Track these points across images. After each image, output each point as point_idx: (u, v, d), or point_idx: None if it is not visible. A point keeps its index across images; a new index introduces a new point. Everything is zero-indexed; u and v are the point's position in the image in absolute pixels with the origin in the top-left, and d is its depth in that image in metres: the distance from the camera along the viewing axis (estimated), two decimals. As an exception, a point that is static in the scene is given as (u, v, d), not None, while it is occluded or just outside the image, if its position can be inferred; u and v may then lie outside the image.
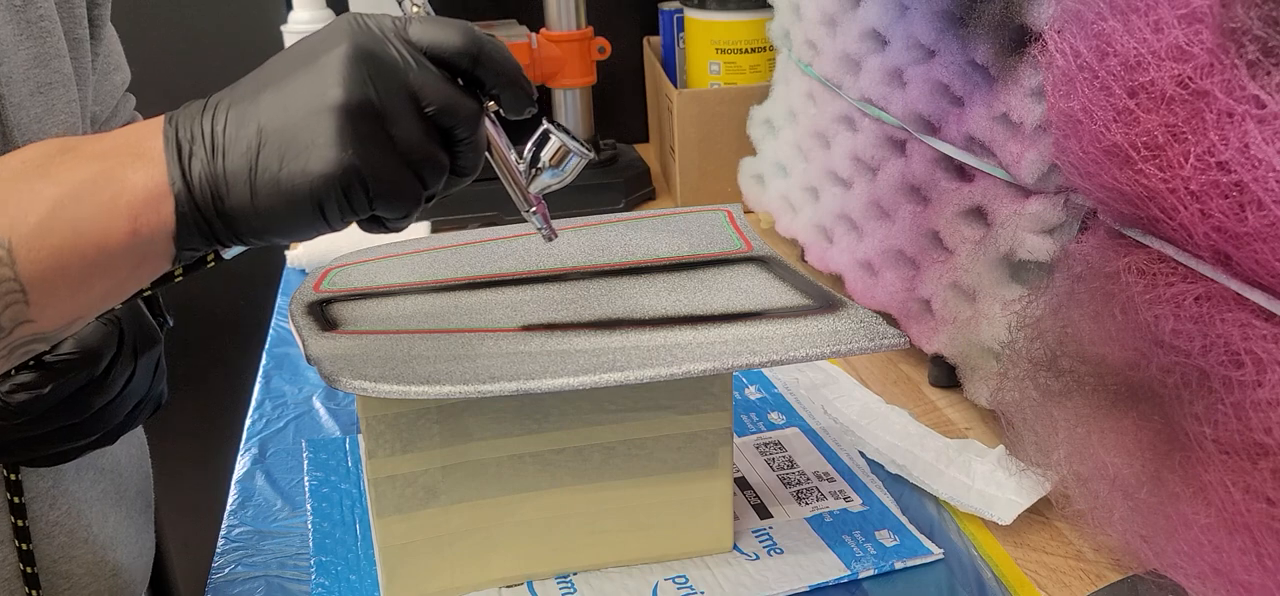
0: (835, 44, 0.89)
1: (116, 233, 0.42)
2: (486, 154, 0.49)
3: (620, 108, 1.34)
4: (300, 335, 0.56)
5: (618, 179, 1.18)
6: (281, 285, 1.03)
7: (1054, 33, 0.56)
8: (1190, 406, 0.50)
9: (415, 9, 0.50)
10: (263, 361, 0.88)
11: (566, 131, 0.51)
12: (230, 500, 0.70)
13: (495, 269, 0.64)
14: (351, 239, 1.04)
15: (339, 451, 0.74)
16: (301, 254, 1.04)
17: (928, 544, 0.63)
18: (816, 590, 0.60)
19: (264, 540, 0.66)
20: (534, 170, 0.51)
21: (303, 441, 0.76)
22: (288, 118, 0.43)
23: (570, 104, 1.20)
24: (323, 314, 0.59)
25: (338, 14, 1.20)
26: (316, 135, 0.42)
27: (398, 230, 0.47)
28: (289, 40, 1.21)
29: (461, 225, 0.98)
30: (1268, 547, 0.47)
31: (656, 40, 1.28)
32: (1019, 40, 0.66)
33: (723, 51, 1.16)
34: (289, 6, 1.21)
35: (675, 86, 1.16)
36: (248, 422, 0.79)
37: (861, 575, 0.61)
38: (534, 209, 0.53)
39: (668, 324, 0.56)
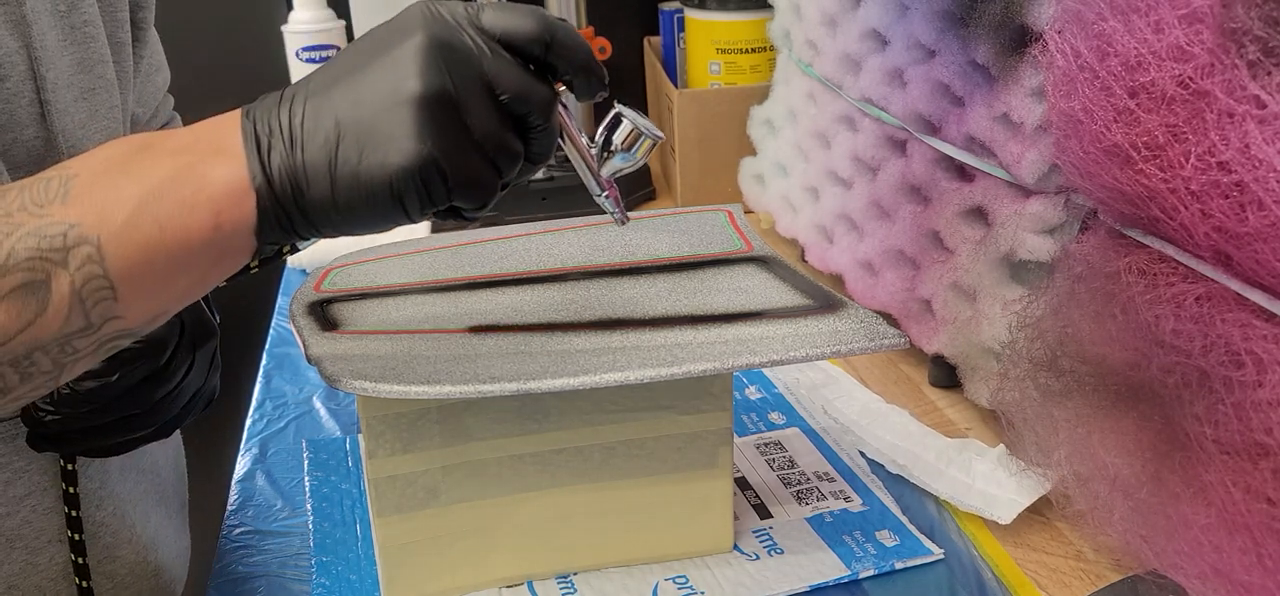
0: (836, 44, 0.89)
1: (200, 228, 0.42)
2: (559, 139, 0.49)
3: (620, 108, 1.34)
4: (301, 335, 0.56)
5: (618, 179, 1.18)
6: (282, 285, 1.03)
7: (1055, 33, 0.56)
8: (1191, 406, 0.50)
9: None
10: (263, 361, 0.88)
11: (639, 114, 0.51)
12: (230, 500, 0.70)
13: (495, 269, 0.64)
14: (352, 240, 1.04)
15: (339, 451, 0.74)
16: (302, 254, 1.03)
17: (928, 544, 0.63)
18: (817, 590, 0.60)
19: (264, 540, 0.66)
20: (606, 154, 0.51)
21: (303, 441, 0.76)
22: (365, 110, 0.43)
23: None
24: (323, 314, 0.59)
25: (339, 15, 1.20)
26: (394, 127, 0.42)
27: (473, 223, 0.47)
28: (289, 40, 1.21)
29: (462, 225, 0.98)
30: (1268, 548, 0.47)
31: (657, 40, 1.28)
32: (1019, 40, 0.66)
33: (723, 51, 1.16)
34: (289, 6, 1.21)
35: (675, 86, 1.16)
36: (248, 422, 0.79)
37: (862, 575, 0.61)
38: (607, 193, 0.53)
39: (668, 324, 0.56)
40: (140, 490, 0.67)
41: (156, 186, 0.42)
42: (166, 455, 0.73)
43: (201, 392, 0.61)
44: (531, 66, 0.46)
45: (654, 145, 0.52)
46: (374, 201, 0.43)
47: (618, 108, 0.51)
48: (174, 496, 0.73)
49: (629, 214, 0.55)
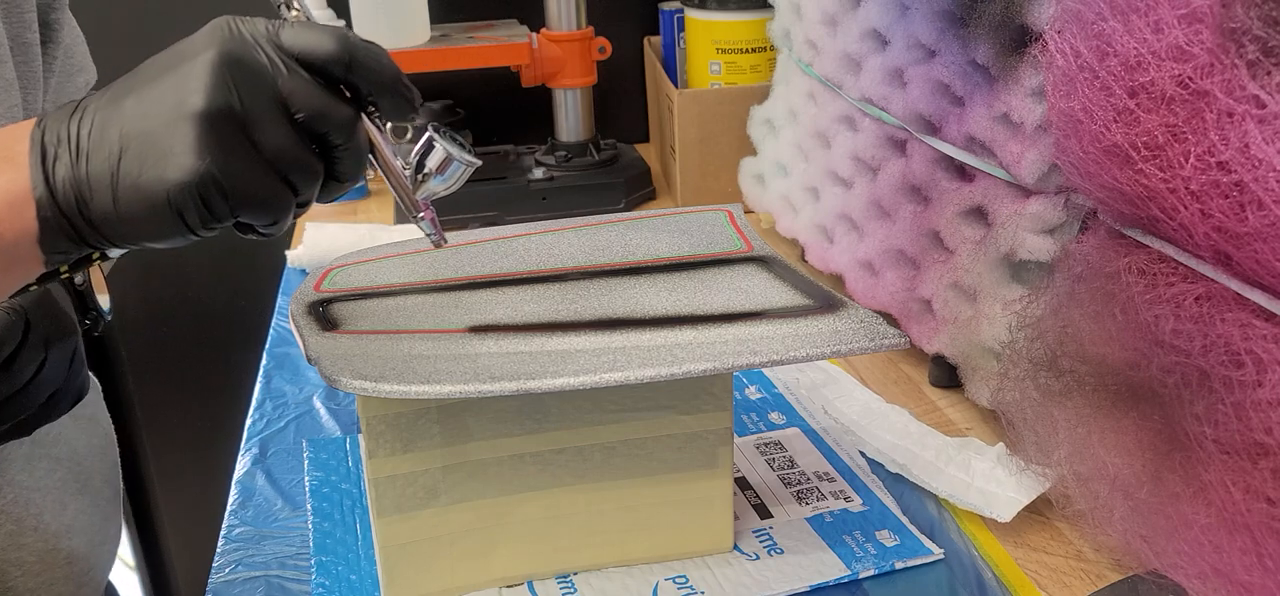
0: (836, 44, 0.89)
1: None
2: (373, 160, 0.49)
3: (620, 108, 1.34)
4: (301, 335, 0.56)
5: (618, 179, 1.18)
6: (282, 285, 1.03)
7: (1054, 33, 0.56)
8: (1190, 406, 0.50)
9: (294, 13, 0.50)
10: (263, 361, 0.88)
11: (454, 138, 0.50)
12: (230, 500, 0.70)
13: (495, 269, 0.64)
14: (352, 239, 1.04)
15: (339, 451, 0.74)
16: (302, 254, 1.04)
17: (928, 544, 0.63)
18: (817, 590, 0.60)
19: (264, 540, 0.66)
20: (420, 177, 0.50)
21: (303, 441, 0.76)
22: (150, 123, 0.42)
23: (570, 104, 1.20)
24: (323, 314, 0.59)
25: (340, 14, 1.20)
26: (175, 142, 0.42)
27: (270, 236, 0.47)
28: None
29: (461, 225, 0.98)
30: (1268, 547, 0.47)
31: (657, 40, 1.28)
32: (1019, 40, 0.66)
33: (723, 51, 1.16)
34: (289, 5, 1.21)
35: (676, 86, 1.16)
36: (248, 422, 0.79)
37: (862, 575, 0.61)
38: (422, 215, 0.52)
39: (668, 324, 0.56)
40: (54, 479, 0.67)
41: None
42: (90, 444, 0.72)
43: (65, 391, 0.59)
44: (338, 87, 0.46)
45: (468, 171, 0.51)
46: (154, 215, 0.43)
47: (430, 131, 0.50)
48: (103, 485, 0.73)
49: (628, 214, 0.55)
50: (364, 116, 0.47)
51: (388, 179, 0.51)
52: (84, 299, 0.62)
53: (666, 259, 0.65)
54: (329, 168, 0.46)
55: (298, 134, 0.44)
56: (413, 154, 0.51)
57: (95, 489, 0.72)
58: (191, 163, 0.42)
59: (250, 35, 0.44)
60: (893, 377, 0.82)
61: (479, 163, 0.51)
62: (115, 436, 0.79)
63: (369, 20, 1.14)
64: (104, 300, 0.63)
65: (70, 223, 0.43)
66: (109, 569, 0.74)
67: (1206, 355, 0.49)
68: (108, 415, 0.78)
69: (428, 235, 0.53)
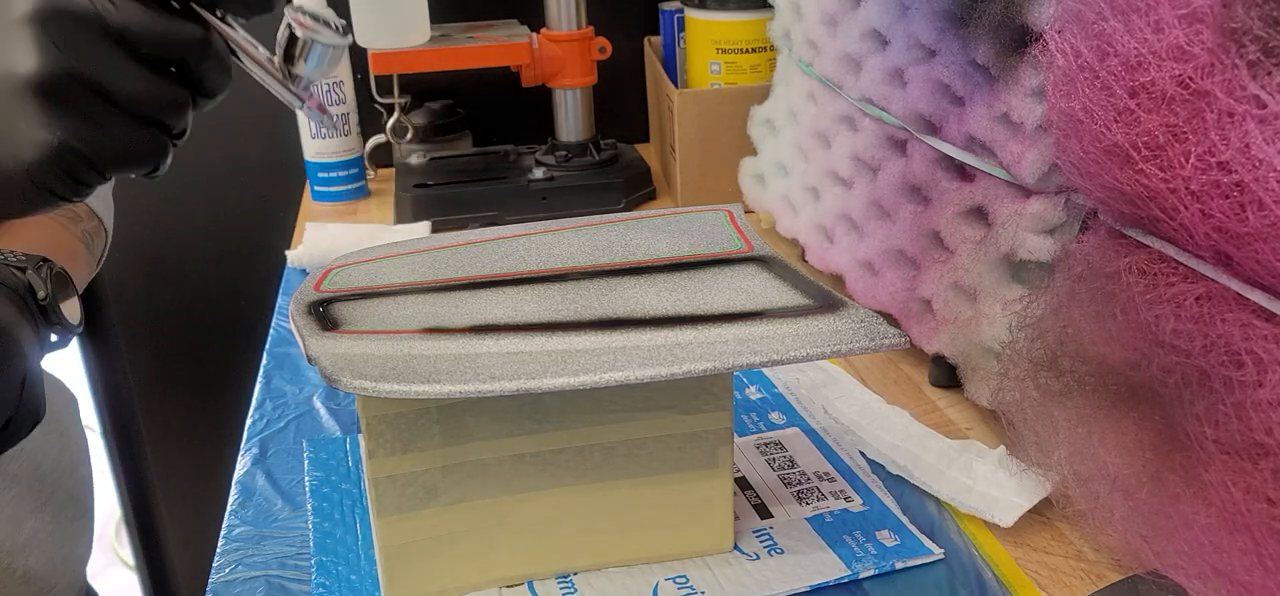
0: (836, 44, 0.89)
1: None
2: (239, 61, 0.45)
3: (620, 108, 1.34)
4: (300, 335, 0.56)
5: (618, 179, 1.18)
6: (282, 285, 1.03)
7: (1055, 33, 0.56)
8: (1191, 406, 0.50)
9: None
10: (263, 361, 0.88)
11: (314, 17, 0.46)
12: (230, 500, 0.70)
13: (495, 269, 0.64)
14: (352, 239, 1.04)
15: (339, 451, 0.74)
16: (302, 254, 1.04)
17: (928, 544, 0.63)
18: (817, 590, 0.60)
19: (264, 540, 0.66)
20: (290, 68, 0.47)
21: (303, 441, 0.76)
22: None
23: (570, 104, 1.20)
24: (323, 314, 0.59)
25: (340, 14, 1.20)
26: (18, 120, 0.38)
27: (154, 178, 0.43)
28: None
29: (461, 225, 0.98)
30: (1268, 548, 0.47)
31: (657, 40, 1.28)
32: (1020, 40, 0.66)
33: (723, 51, 1.16)
34: (288, 5, 1.21)
35: (675, 86, 1.16)
36: (248, 422, 0.79)
37: (862, 575, 0.61)
38: (305, 103, 0.48)
39: (668, 324, 0.56)
40: (9, 497, 0.64)
41: None
42: (58, 459, 0.70)
43: (19, 418, 0.53)
44: (172, 3, 0.41)
45: (339, 51, 0.47)
46: (21, 195, 0.39)
47: (288, 18, 0.46)
48: (67, 501, 0.70)
49: (628, 214, 0.55)
50: (213, 20, 0.43)
51: (259, 74, 0.47)
52: (47, 315, 0.57)
53: (666, 259, 0.65)
54: (194, 89, 0.43)
55: (148, 70, 0.40)
56: (278, 45, 0.47)
57: (58, 504, 0.70)
58: (44, 137, 0.38)
59: None
60: (893, 378, 0.82)
61: (349, 39, 0.48)
62: (89, 450, 0.76)
63: (368, 20, 1.14)
64: (73, 311, 0.59)
65: None
66: (78, 584, 0.72)
67: (1207, 355, 0.49)
68: (82, 429, 0.76)
69: (312, 119, 0.50)
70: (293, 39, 0.46)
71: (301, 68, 0.47)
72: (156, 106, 0.40)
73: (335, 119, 0.51)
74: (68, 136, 0.38)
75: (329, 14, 0.48)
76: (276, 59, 0.47)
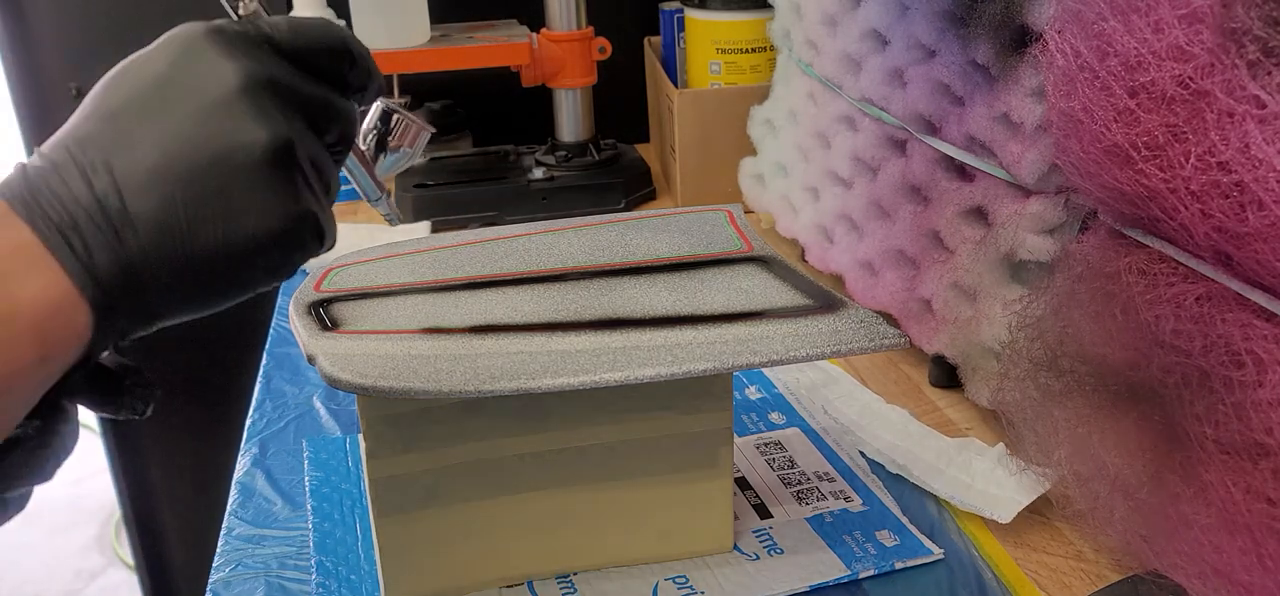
0: (836, 44, 0.89)
1: (21, 361, 0.34)
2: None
3: (620, 108, 1.34)
4: (300, 335, 0.56)
5: (618, 179, 1.18)
6: (282, 285, 1.03)
7: (1054, 33, 0.56)
8: (1191, 406, 0.50)
9: (254, 5, 0.46)
10: (263, 361, 0.88)
11: (398, 108, 0.47)
12: (230, 500, 0.70)
13: (495, 269, 0.64)
14: (352, 239, 1.04)
15: (339, 451, 0.74)
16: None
17: (928, 544, 0.63)
18: (817, 590, 0.60)
19: (264, 540, 0.66)
20: (380, 154, 0.47)
21: (303, 441, 0.76)
22: (210, 175, 0.36)
23: (570, 104, 1.20)
24: (323, 314, 0.59)
25: (339, 14, 1.20)
26: (254, 192, 0.37)
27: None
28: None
29: (462, 225, 0.98)
30: (1268, 548, 0.47)
31: (657, 40, 1.28)
32: (1019, 40, 0.66)
33: (723, 51, 1.16)
34: (289, 6, 1.21)
35: (675, 86, 1.16)
36: (248, 422, 0.79)
37: (862, 575, 0.61)
38: (385, 194, 0.48)
39: (668, 324, 0.56)
40: None
41: None
42: None
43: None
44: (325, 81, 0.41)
45: (425, 136, 0.47)
46: (252, 273, 0.38)
47: (383, 103, 0.46)
48: None
49: (628, 214, 0.55)
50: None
51: (355, 166, 0.47)
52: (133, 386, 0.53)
53: (666, 259, 0.65)
54: None
55: (322, 148, 0.40)
56: (368, 130, 0.47)
57: None
58: (287, 206, 0.37)
59: (249, 44, 0.38)
60: (893, 377, 0.82)
61: (434, 129, 0.49)
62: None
63: (368, 20, 1.14)
64: None
65: (122, 313, 0.36)
66: None
67: (1207, 355, 0.49)
68: None
69: (386, 216, 0.50)
70: (388, 126, 0.47)
71: (394, 155, 0.48)
72: (328, 183, 0.41)
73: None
74: (306, 203, 0.38)
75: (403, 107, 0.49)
76: (369, 148, 0.47)
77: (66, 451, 0.41)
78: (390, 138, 0.47)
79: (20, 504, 0.41)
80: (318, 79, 0.40)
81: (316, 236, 0.40)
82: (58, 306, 0.35)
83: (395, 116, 0.47)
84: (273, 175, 0.37)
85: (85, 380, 0.40)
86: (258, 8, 0.46)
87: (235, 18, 0.44)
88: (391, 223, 0.48)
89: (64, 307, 0.35)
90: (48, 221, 0.35)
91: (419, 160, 0.48)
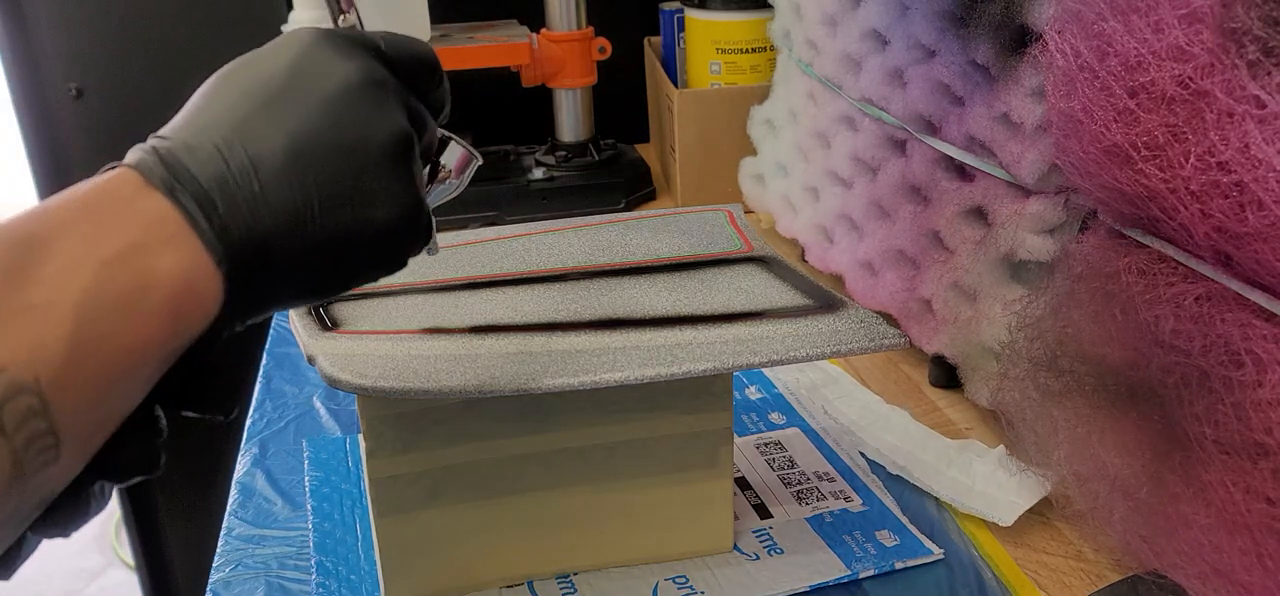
0: (836, 44, 0.89)
1: (155, 336, 0.33)
2: None
3: (620, 108, 1.34)
4: (300, 335, 0.56)
5: (618, 179, 1.18)
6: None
7: (1054, 33, 0.56)
8: (1190, 406, 0.50)
9: (353, 18, 0.48)
10: (263, 361, 0.88)
11: (452, 134, 0.48)
12: (230, 500, 0.70)
13: (495, 269, 0.64)
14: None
15: (339, 451, 0.74)
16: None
17: (928, 544, 0.63)
18: (817, 590, 0.60)
19: (264, 540, 0.66)
20: (430, 184, 0.48)
21: (303, 441, 0.76)
22: (345, 162, 0.37)
23: (570, 104, 1.20)
24: (323, 314, 0.59)
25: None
26: (383, 178, 0.38)
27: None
28: (289, 40, 1.20)
29: (462, 225, 0.98)
30: (1268, 548, 0.47)
31: (657, 40, 1.28)
32: (1019, 40, 0.66)
33: (723, 51, 1.16)
34: (289, 6, 1.21)
35: (675, 86, 1.16)
36: (248, 422, 0.79)
37: (862, 575, 0.61)
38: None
39: (668, 324, 0.56)
40: None
41: (82, 297, 0.31)
42: None
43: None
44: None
45: (475, 168, 0.48)
46: (373, 256, 0.40)
47: (441, 131, 0.47)
48: None
49: (628, 214, 0.55)
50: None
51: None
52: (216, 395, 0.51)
53: (666, 259, 0.65)
54: None
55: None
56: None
57: None
58: (411, 195, 0.39)
59: (358, 50, 0.41)
60: (893, 378, 0.82)
61: (481, 160, 0.51)
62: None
63: (369, 20, 1.14)
64: None
65: (251, 291, 0.36)
66: None
67: (1206, 355, 0.49)
68: None
69: (426, 248, 0.50)
70: (443, 152, 0.48)
71: (445, 185, 0.48)
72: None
73: None
74: (418, 193, 0.40)
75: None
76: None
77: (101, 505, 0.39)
78: (443, 165, 0.48)
79: (30, 553, 0.40)
80: (412, 88, 0.43)
81: (425, 231, 0.41)
82: (192, 280, 0.35)
83: (451, 143, 0.48)
84: (397, 166, 0.39)
85: (177, 373, 0.38)
86: (356, 20, 0.48)
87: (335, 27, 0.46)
88: (429, 252, 0.47)
89: (197, 281, 0.35)
90: (186, 194, 0.35)
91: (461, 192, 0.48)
